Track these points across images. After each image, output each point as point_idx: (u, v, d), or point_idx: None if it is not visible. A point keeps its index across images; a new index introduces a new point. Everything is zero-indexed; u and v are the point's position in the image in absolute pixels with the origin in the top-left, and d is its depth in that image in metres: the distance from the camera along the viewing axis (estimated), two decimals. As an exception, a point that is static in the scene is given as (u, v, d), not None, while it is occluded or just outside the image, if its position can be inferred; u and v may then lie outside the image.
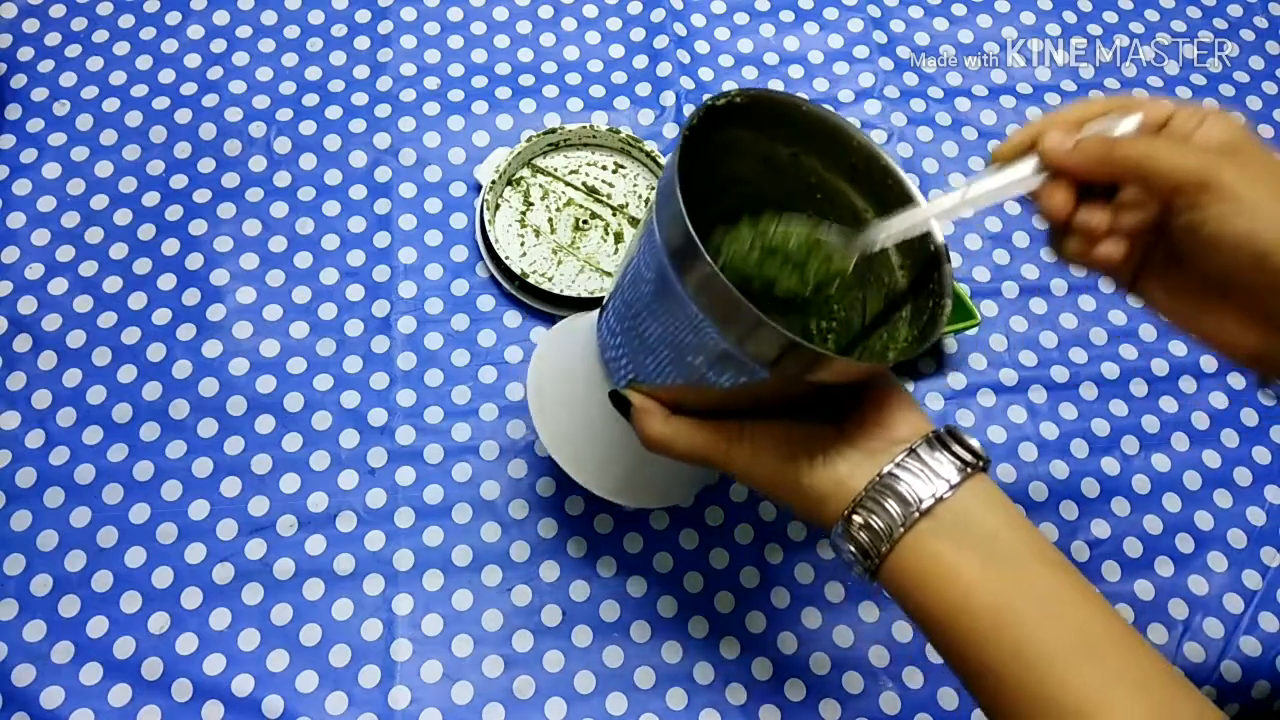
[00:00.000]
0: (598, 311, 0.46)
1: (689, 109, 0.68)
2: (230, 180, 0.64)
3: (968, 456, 0.37)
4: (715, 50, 0.71)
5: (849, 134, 0.41)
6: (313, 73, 0.68)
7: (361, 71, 0.68)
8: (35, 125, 0.65)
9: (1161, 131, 0.36)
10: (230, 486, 0.55)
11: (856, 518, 0.36)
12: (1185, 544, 0.58)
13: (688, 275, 0.36)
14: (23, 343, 0.58)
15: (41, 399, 0.57)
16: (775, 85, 0.70)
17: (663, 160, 0.63)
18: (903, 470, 0.36)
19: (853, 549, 0.37)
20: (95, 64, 0.67)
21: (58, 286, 0.60)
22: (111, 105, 0.66)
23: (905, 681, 0.53)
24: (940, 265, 0.39)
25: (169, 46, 0.68)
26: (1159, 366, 0.63)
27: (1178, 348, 0.63)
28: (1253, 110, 0.72)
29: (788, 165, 0.43)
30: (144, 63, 0.67)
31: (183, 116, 0.65)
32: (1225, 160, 0.33)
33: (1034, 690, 0.33)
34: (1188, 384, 0.62)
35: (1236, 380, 0.63)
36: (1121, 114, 0.37)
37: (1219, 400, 0.62)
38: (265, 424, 0.57)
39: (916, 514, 0.35)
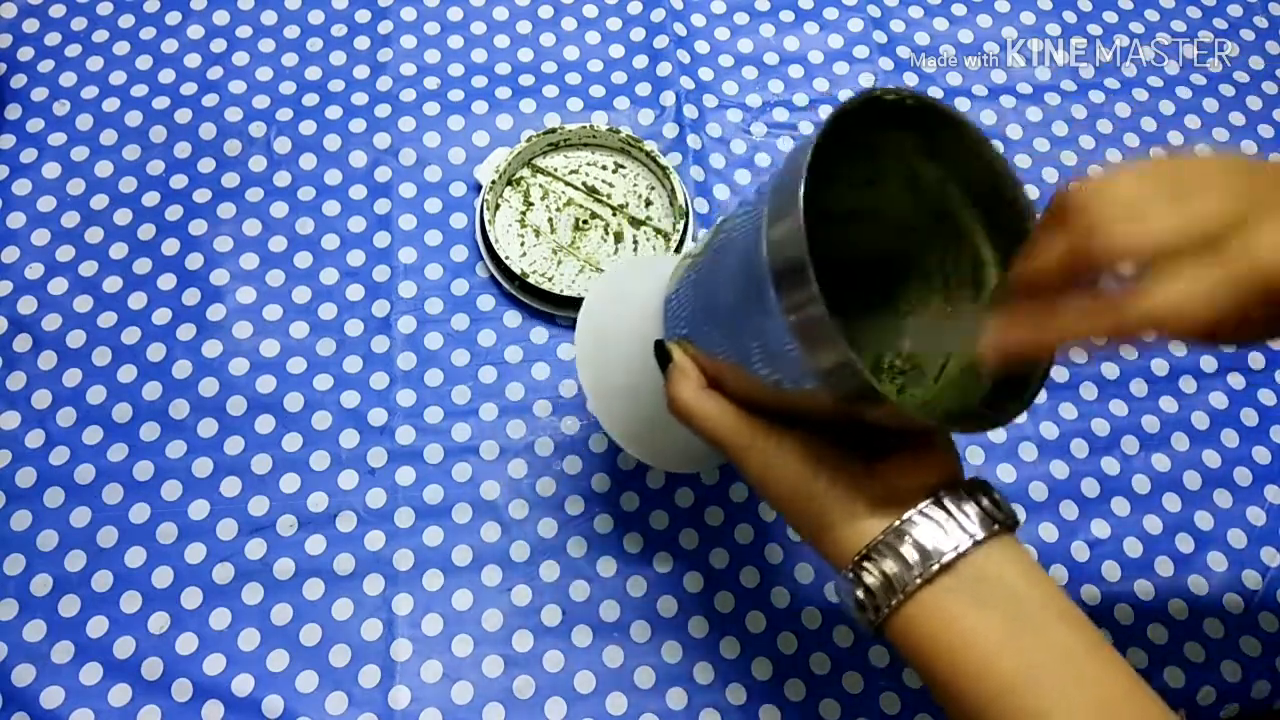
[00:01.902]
0: (682, 254, 0.43)
1: (690, 109, 0.68)
2: (230, 180, 0.64)
3: (997, 514, 0.35)
4: (715, 50, 0.71)
5: (1008, 177, 0.37)
6: (313, 73, 0.68)
7: (361, 71, 0.68)
8: (35, 125, 0.65)
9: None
10: (230, 486, 0.55)
11: (869, 563, 0.34)
12: (1185, 544, 0.58)
13: (787, 295, 0.32)
14: (23, 343, 0.58)
15: (41, 399, 0.57)
16: (775, 85, 0.70)
17: (663, 161, 0.63)
18: (924, 519, 0.34)
19: (860, 594, 0.35)
20: (95, 64, 0.67)
21: (58, 286, 0.60)
22: (111, 105, 0.66)
23: (905, 681, 0.53)
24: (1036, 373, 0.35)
25: (169, 46, 0.68)
26: (1159, 366, 0.63)
27: (1178, 347, 0.63)
28: (1253, 110, 0.72)
29: (931, 189, 0.39)
30: (144, 63, 0.67)
31: (183, 116, 0.65)
32: None
33: None
34: (1188, 384, 0.62)
35: (1236, 380, 0.63)
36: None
37: (1219, 400, 0.62)
38: (265, 424, 0.57)
39: (935, 567, 0.33)
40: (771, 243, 0.33)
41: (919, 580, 0.33)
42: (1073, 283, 0.33)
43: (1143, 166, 0.33)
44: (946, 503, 0.34)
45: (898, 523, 0.34)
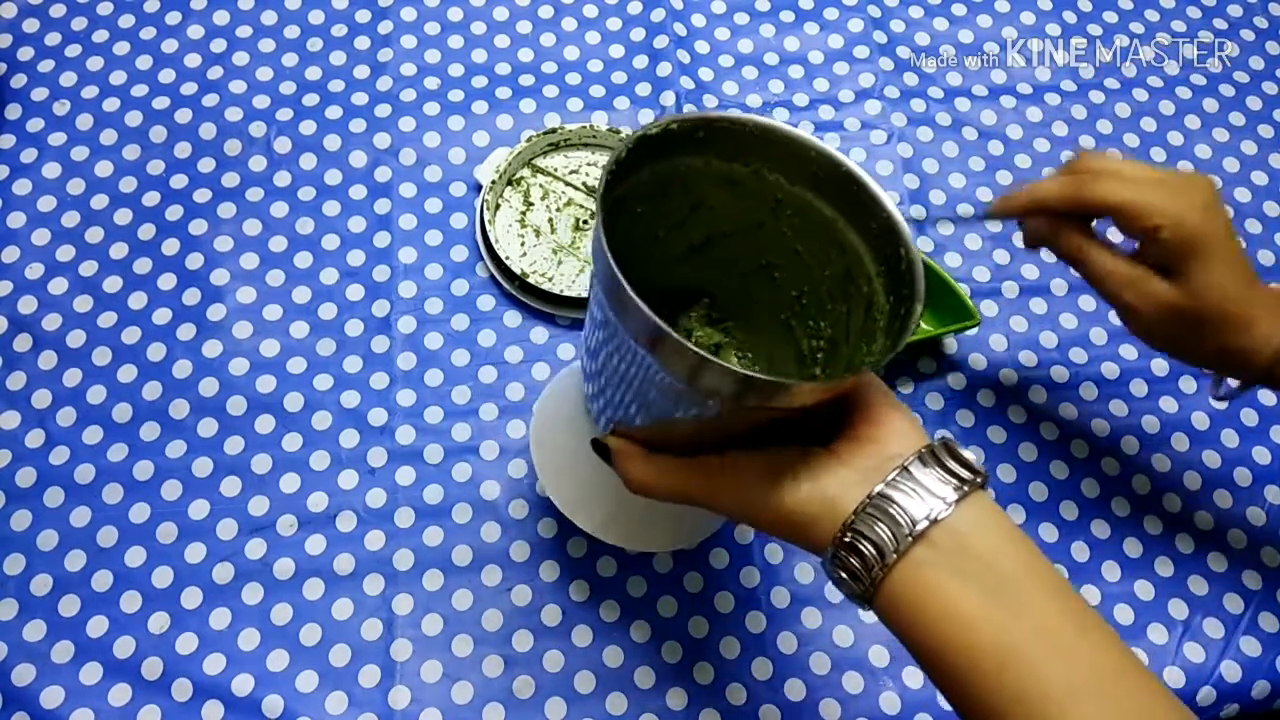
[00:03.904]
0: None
1: (690, 109, 0.68)
2: (230, 180, 0.64)
3: (964, 473, 0.34)
4: (715, 50, 0.71)
5: (804, 144, 0.39)
6: (313, 73, 0.68)
7: (361, 71, 0.68)
8: (35, 125, 0.65)
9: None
10: (230, 486, 0.55)
11: (847, 540, 0.34)
12: (1185, 544, 0.58)
13: (623, 319, 0.35)
14: (23, 343, 0.58)
15: (41, 399, 0.57)
16: (775, 85, 0.70)
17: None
18: (895, 490, 0.34)
19: (844, 574, 0.35)
20: (95, 64, 0.67)
21: (58, 286, 0.60)
22: (111, 105, 0.66)
23: (905, 681, 0.53)
24: (911, 268, 0.37)
25: (169, 46, 0.68)
26: (1159, 366, 0.63)
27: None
28: (1253, 110, 0.72)
29: (750, 183, 0.41)
30: (144, 62, 0.67)
31: (183, 116, 0.65)
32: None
33: None
34: (1188, 384, 0.62)
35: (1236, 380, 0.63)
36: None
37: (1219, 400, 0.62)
38: (265, 424, 0.57)
39: (910, 537, 0.33)
40: (600, 279, 0.35)
41: (895, 555, 0.33)
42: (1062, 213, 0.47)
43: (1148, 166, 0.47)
44: (913, 470, 0.34)
45: (868, 499, 0.34)
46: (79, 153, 0.64)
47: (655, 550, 0.54)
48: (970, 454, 0.36)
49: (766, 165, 0.41)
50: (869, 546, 0.34)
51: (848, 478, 0.35)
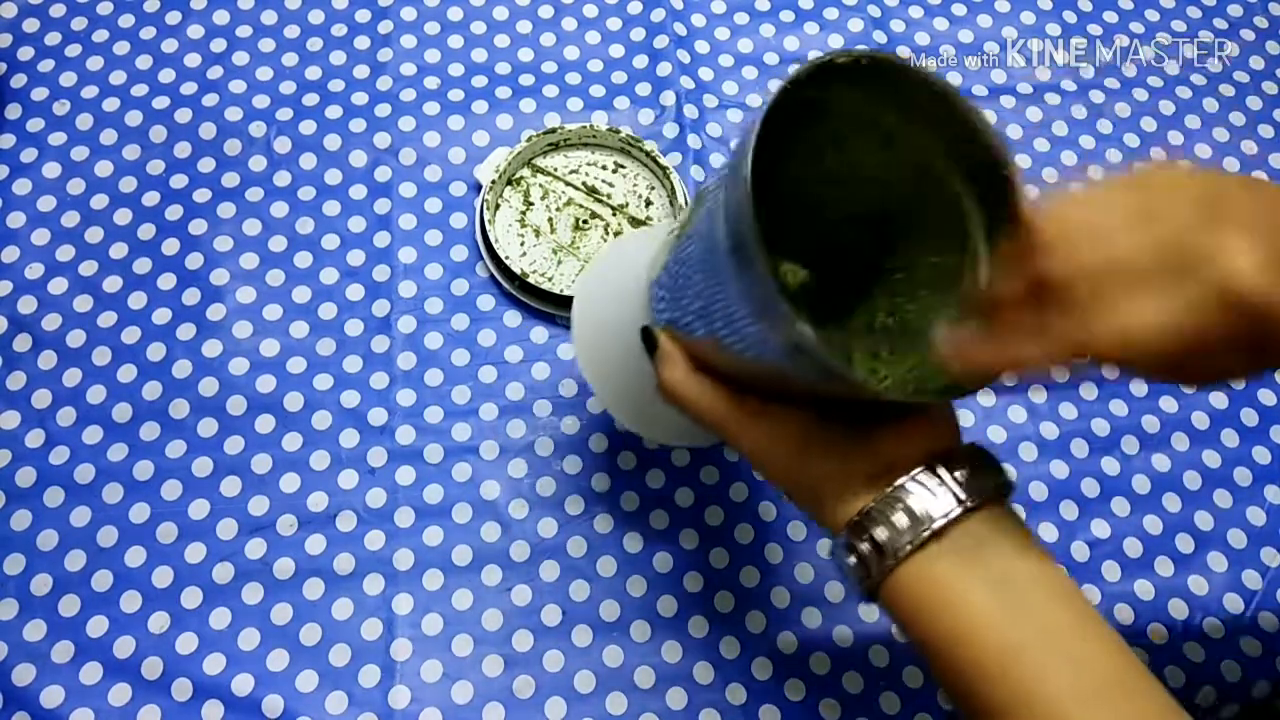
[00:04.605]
0: (658, 245, 0.44)
1: (690, 109, 0.68)
2: (230, 180, 0.64)
3: (989, 481, 0.35)
4: (715, 50, 0.71)
5: (984, 128, 0.36)
6: (313, 72, 0.68)
7: (361, 71, 0.68)
8: (35, 125, 0.64)
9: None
10: (230, 486, 0.55)
11: (862, 530, 0.35)
12: (1185, 544, 0.58)
13: (742, 272, 0.32)
14: (23, 343, 0.58)
15: (41, 399, 0.57)
16: (776, 85, 0.70)
17: (663, 161, 0.63)
18: (919, 485, 0.34)
19: (854, 560, 0.35)
20: (95, 63, 0.67)
21: (58, 286, 0.60)
22: (111, 105, 0.66)
23: (905, 681, 0.53)
24: None
25: (169, 46, 0.68)
26: (1159, 366, 0.63)
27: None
28: (1253, 110, 0.72)
29: (905, 144, 0.38)
30: (144, 62, 0.67)
31: (183, 116, 0.65)
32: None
33: None
34: (1188, 384, 0.62)
35: (1236, 380, 0.63)
36: None
37: (1219, 400, 0.62)
38: (265, 424, 0.57)
39: (926, 533, 0.33)
40: (728, 218, 0.33)
41: (909, 546, 0.34)
42: (1037, 304, 0.32)
43: (1111, 183, 0.32)
44: (940, 470, 0.35)
45: (890, 490, 0.34)
46: (79, 153, 0.64)
47: (671, 443, 0.51)
48: (1003, 464, 0.36)
49: (929, 129, 0.37)
50: (883, 535, 0.34)
51: (873, 463, 0.35)
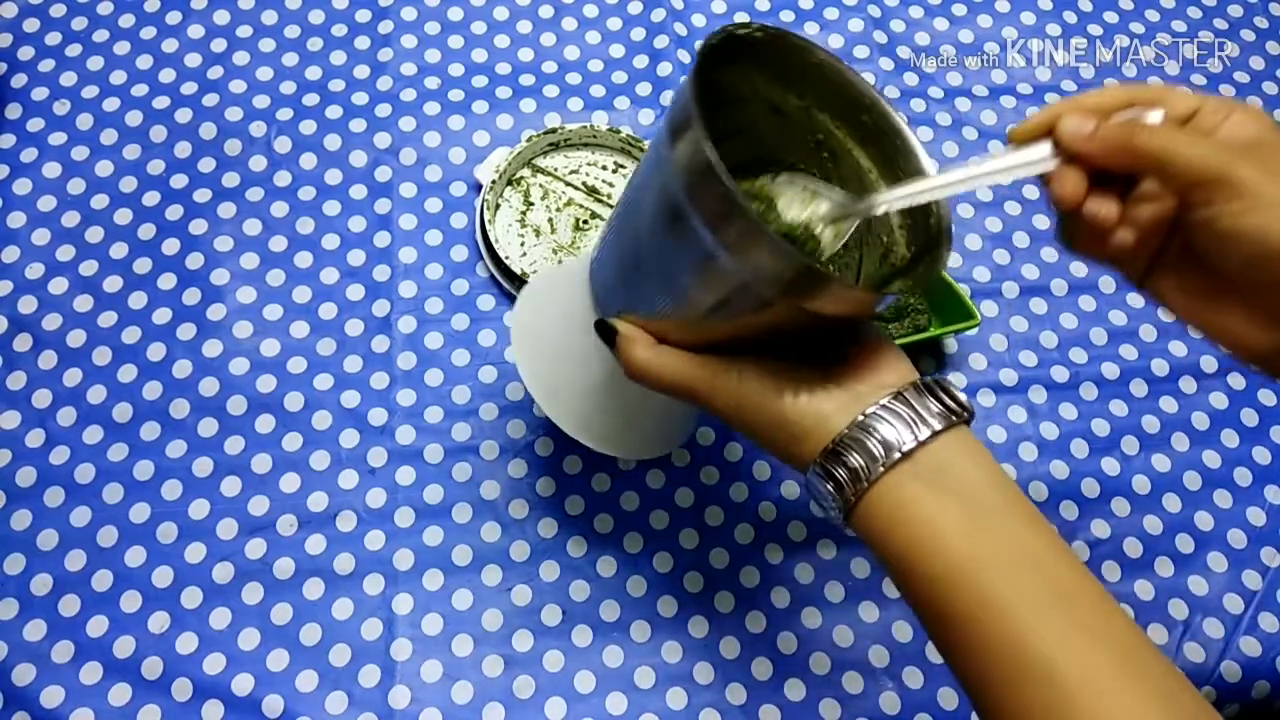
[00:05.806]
0: (592, 247, 0.45)
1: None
2: (230, 180, 0.64)
3: (953, 406, 0.37)
4: (715, 50, 0.71)
5: (862, 90, 0.39)
6: (313, 72, 0.68)
7: (362, 71, 0.68)
8: (35, 125, 0.65)
9: (1186, 125, 0.35)
10: (230, 486, 0.55)
11: (835, 458, 0.36)
12: (1185, 544, 0.58)
13: (702, 202, 0.34)
14: (23, 342, 0.58)
15: (41, 399, 0.57)
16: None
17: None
18: (886, 412, 0.36)
19: (829, 486, 0.37)
20: (95, 63, 0.67)
21: (58, 286, 0.60)
22: (112, 105, 0.66)
23: (905, 681, 0.53)
24: (940, 224, 0.38)
25: (169, 46, 0.68)
26: (1159, 366, 0.63)
27: (1178, 348, 0.63)
28: (1253, 110, 0.72)
29: (796, 116, 0.41)
30: (144, 62, 0.67)
31: (183, 116, 0.65)
32: (1246, 156, 0.32)
33: (998, 637, 0.33)
34: (1188, 384, 0.62)
35: (1236, 380, 0.63)
36: (1146, 107, 0.35)
37: (1219, 400, 0.62)
38: (265, 424, 0.57)
39: (897, 455, 0.35)
40: (677, 160, 0.35)
41: (881, 469, 0.35)
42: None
43: None
44: (907, 397, 0.37)
45: (861, 418, 0.36)
46: (79, 152, 0.64)
47: (622, 455, 0.51)
48: (959, 393, 0.37)
49: (819, 102, 0.41)
50: (856, 458, 0.36)
51: (841, 397, 0.37)
